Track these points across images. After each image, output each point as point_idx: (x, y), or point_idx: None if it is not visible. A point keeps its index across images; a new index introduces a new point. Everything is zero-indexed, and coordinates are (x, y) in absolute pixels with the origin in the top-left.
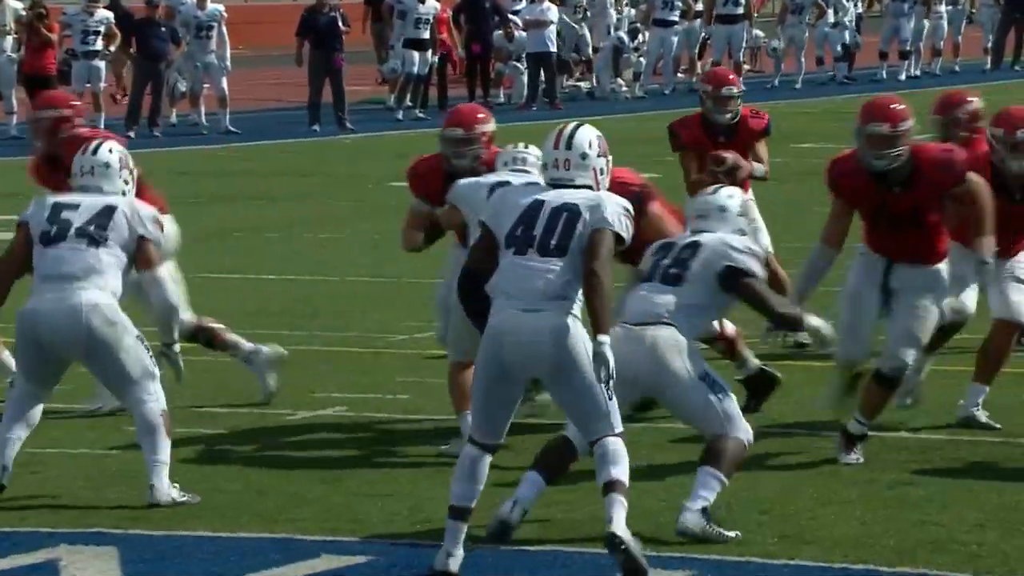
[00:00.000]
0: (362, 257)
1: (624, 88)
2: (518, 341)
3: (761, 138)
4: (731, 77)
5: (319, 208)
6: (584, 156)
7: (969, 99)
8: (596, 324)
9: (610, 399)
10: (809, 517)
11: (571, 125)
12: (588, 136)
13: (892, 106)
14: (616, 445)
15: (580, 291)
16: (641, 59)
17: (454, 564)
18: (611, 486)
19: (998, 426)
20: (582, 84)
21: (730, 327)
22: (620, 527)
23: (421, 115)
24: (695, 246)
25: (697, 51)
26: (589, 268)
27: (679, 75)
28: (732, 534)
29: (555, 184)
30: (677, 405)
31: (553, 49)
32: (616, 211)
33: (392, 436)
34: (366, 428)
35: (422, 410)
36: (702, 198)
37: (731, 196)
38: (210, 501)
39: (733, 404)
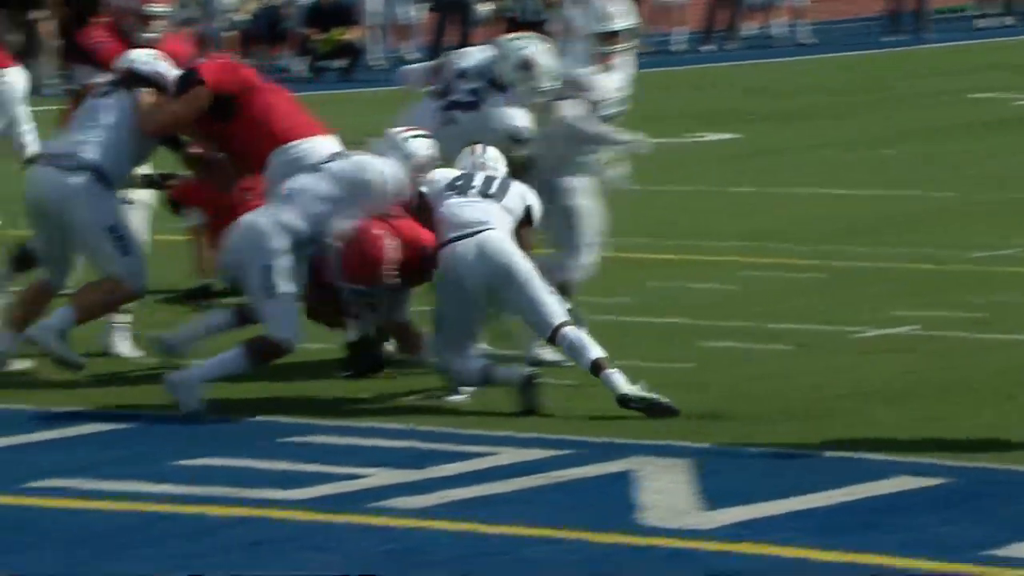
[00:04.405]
0: (929, 172)
1: None
2: (470, 263)
3: None
4: None
5: (890, 122)
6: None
7: None
8: None
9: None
10: None
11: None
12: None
13: None
14: (574, 332)
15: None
16: None
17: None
18: (599, 365)
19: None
20: None
21: None
22: (628, 388)
23: (1008, 22)
24: None
25: None
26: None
27: None
28: None
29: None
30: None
31: None
32: (535, 202)
33: (969, 357)
34: (937, 347)
35: (996, 328)
36: None
37: None
38: (774, 417)
39: None
